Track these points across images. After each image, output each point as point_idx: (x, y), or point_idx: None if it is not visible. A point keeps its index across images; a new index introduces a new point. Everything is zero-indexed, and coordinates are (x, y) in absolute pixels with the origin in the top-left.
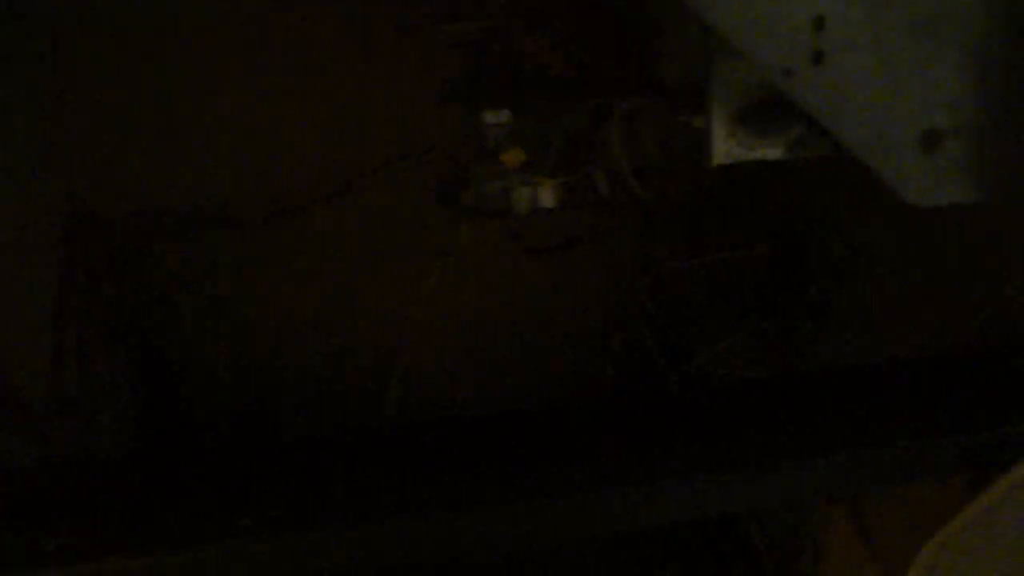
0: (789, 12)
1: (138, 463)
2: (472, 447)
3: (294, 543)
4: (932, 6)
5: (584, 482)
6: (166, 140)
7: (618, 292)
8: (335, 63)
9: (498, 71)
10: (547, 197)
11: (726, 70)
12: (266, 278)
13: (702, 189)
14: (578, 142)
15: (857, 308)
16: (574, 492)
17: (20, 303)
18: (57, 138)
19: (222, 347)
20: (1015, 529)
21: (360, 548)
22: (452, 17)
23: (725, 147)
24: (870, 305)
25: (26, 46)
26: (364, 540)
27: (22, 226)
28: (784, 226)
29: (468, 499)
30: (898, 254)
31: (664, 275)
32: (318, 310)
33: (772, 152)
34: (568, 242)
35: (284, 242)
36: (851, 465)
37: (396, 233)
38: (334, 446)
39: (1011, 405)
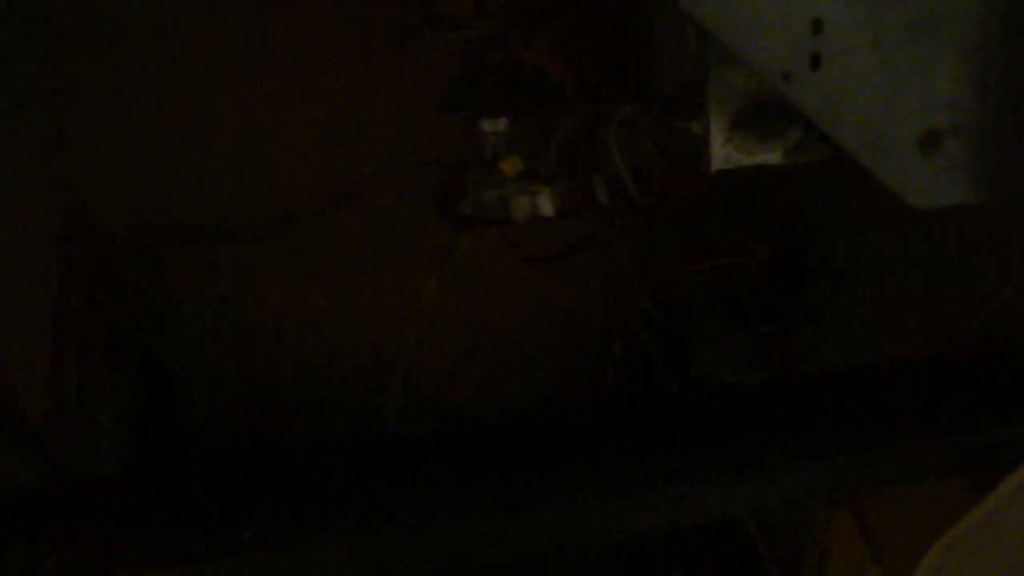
0: (787, 16)
1: (137, 475)
2: (473, 452)
3: (296, 556)
4: (931, 7)
5: (586, 487)
6: (166, 142)
7: (618, 297)
8: (335, 64)
9: (497, 78)
10: (546, 205)
11: (724, 75)
12: (266, 282)
13: (701, 194)
14: (577, 148)
15: (857, 310)
16: (576, 497)
17: (20, 304)
18: (57, 139)
19: (222, 349)
20: (1021, 531)
21: (362, 559)
22: (452, 24)
23: (723, 152)
24: (870, 307)
25: (26, 46)
26: (366, 552)
27: (22, 226)
28: (783, 230)
29: (470, 507)
30: (898, 255)
31: (664, 279)
32: (318, 313)
33: (771, 157)
34: (567, 250)
35: (284, 246)
36: (852, 466)
37: (396, 237)
38: (334, 454)
39: (1011, 405)
